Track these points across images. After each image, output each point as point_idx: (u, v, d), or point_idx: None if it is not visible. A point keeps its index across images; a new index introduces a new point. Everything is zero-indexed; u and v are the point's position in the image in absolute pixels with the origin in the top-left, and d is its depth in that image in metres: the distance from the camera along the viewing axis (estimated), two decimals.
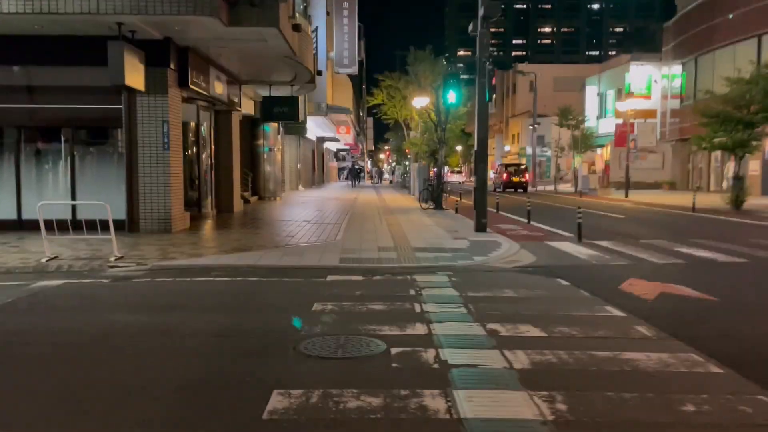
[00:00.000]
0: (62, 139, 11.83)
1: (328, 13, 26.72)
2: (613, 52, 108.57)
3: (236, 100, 16.51)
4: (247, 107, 20.06)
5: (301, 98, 21.79)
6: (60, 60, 11.07)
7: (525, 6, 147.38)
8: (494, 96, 13.62)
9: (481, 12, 12.50)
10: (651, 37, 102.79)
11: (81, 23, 10.11)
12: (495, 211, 18.95)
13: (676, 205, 22.72)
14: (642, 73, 37.81)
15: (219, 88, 14.54)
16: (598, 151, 43.03)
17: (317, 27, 21.35)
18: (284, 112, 16.86)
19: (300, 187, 34.50)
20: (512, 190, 36.43)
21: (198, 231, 12.26)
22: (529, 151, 58.91)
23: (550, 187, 41.23)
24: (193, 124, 14.21)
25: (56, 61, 11.09)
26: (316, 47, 19.15)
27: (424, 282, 7.56)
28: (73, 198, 11.62)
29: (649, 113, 36.43)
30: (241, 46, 12.02)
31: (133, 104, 11.43)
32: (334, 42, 26.86)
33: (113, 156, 11.90)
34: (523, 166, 38.29)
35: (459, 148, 66.35)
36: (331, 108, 27.25)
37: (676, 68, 35.56)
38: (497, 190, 34.70)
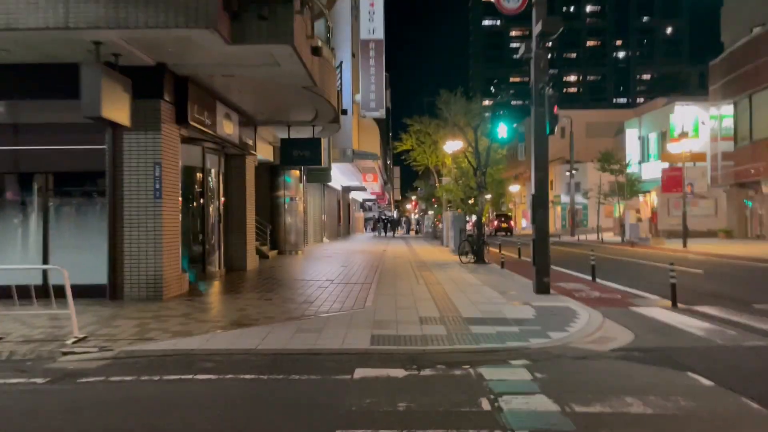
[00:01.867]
0: (35, 187, 9.86)
1: (353, 55, 25.15)
2: (641, 99, 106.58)
3: (250, 143, 14.57)
4: (265, 152, 18.16)
5: (324, 142, 19.90)
6: (32, 92, 9.20)
7: (549, 55, 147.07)
8: (555, 127, 11.66)
9: (537, 29, 10.41)
10: (680, 81, 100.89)
11: (51, 44, 8.23)
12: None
13: (748, 256, 19.90)
14: (688, 114, 35.37)
15: (228, 128, 12.59)
16: (640, 198, 40.30)
17: (341, 62, 19.61)
18: (305, 155, 14.85)
19: (324, 239, 32.39)
20: (503, 234, 47.21)
21: (196, 297, 10.04)
22: (563, 198, 56.36)
23: (592, 237, 38.41)
24: (197, 168, 12.22)
25: (27, 93, 9.21)
26: (341, 84, 17.32)
27: (497, 381, 5.14)
28: (45, 260, 9.55)
29: (699, 156, 33.79)
30: (251, 73, 10.05)
31: (119, 143, 9.45)
32: (360, 85, 25.19)
33: (96, 207, 9.85)
34: (509, 215, 49.18)
35: (488, 196, 64.08)
36: (357, 154, 25.36)
37: (726, 108, 33.07)
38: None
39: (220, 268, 13.13)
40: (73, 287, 8.92)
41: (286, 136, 15.40)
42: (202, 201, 12.37)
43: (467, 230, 20.50)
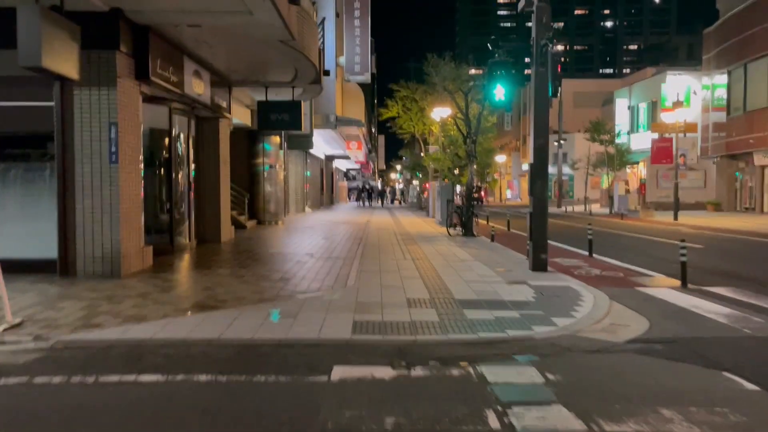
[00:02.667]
0: None
1: (337, 15, 23.80)
2: (627, 70, 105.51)
3: (224, 105, 13.44)
4: (242, 116, 17.02)
5: (305, 106, 18.78)
6: None
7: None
8: (559, 89, 10.71)
9: None
10: (669, 52, 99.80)
11: None
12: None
13: (745, 230, 19.31)
14: (679, 83, 34.54)
15: (199, 87, 11.46)
16: (628, 169, 39.63)
17: (324, 19, 18.36)
18: (284, 119, 13.75)
19: (307, 208, 31.39)
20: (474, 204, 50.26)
21: (160, 273, 9.06)
22: (551, 170, 55.65)
23: (579, 208, 37.80)
24: (164, 131, 11.12)
25: None
26: (323, 43, 16.14)
27: (504, 386, 4.29)
28: None
29: (690, 127, 33.10)
30: (220, 21, 8.91)
31: (69, 100, 8.33)
32: (344, 47, 23.90)
33: (45, 173, 8.77)
34: (480, 186, 46.48)
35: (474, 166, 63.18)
36: (341, 120, 24.22)
37: (720, 77, 32.28)
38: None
39: (190, 240, 12.13)
40: (20, 262, 7.96)
41: (263, 99, 14.27)
42: (168, 167, 11.29)
43: (455, 201, 19.65)
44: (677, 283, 8.81)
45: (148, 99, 10.13)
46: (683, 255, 8.70)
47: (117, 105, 8.36)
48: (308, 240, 14.97)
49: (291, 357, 5.02)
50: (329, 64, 20.64)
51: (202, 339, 5.53)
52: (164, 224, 11.24)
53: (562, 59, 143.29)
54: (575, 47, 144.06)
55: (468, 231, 16.22)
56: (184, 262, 10.59)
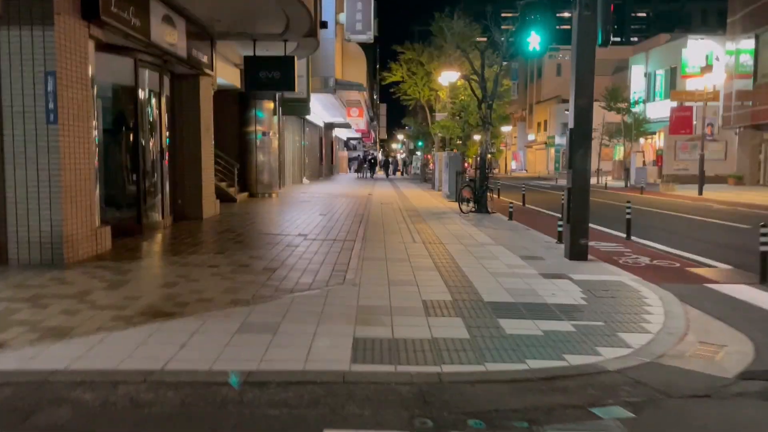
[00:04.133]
0: None
1: None
2: (635, 39, 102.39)
3: (205, 60, 11.60)
4: (229, 76, 15.18)
5: (301, 67, 16.90)
6: None
7: None
8: (609, 36, 9.08)
9: None
10: (681, 18, 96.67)
11: None
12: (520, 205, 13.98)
13: None
14: (701, 48, 32.43)
15: (171, 36, 9.64)
16: (641, 141, 37.70)
17: None
18: (274, 78, 11.93)
19: (304, 179, 29.65)
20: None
21: (114, 262, 7.39)
22: (557, 140, 53.79)
23: (592, 181, 35.96)
24: (128, 88, 9.33)
25: None
26: None
27: None
28: None
29: (710, 96, 31.17)
30: None
31: None
32: (345, 3, 21.85)
33: None
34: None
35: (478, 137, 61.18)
36: (341, 84, 22.33)
37: (746, 42, 30.21)
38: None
39: (163, 216, 10.43)
40: None
41: (251, 54, 12.42)
42: (137, 131, 9.53)
43: (466, 173, 17.93)
44: (752, 277, 7.17)
45: (106, 47, 8.34)
46: (765, 244, 7.00)
47: (55, 50, 6.59)
48: (303, 216, 13.28)
49: (260, 407, 3.37)
50: (327, 15, 18.68)
51: (137, 371, 3.87)
52: (131, 199, 9.53)
53: (569, 26, 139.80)
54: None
55: (482, 207, 14.53)
56: (151, 245, 8.91)
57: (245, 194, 18.40)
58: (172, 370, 3.90)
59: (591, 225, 12.64)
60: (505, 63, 14.60)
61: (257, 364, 4.01)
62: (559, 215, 15.51)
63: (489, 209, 14.59)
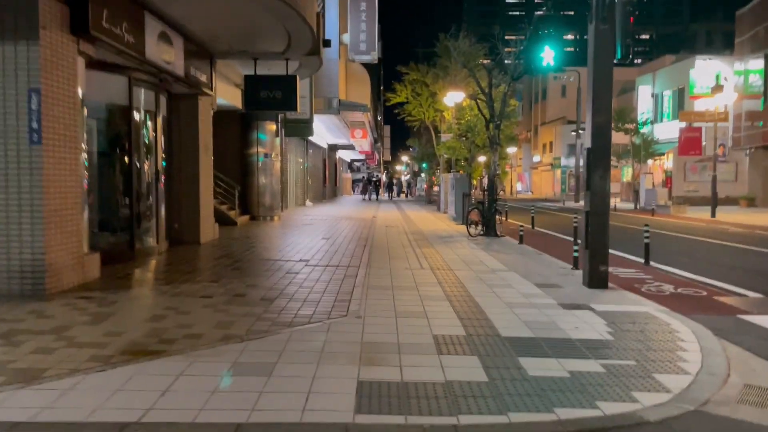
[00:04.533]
0: None
1: None
2: (639, 60, 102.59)
3: (204, 79, 11.24)
4: (231, 96, 14.83)
5: (303, 88, 16.59)
6: None
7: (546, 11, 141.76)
8: (628, 50, 8.79)
9: None
10: (685, 40, 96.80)
11: None
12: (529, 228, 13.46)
13: None
14: (709, 69, 32.08)
15: (167, 54, 9.27)
16: (649, 162, 37.22)
17: None
18: (276, 98, 11.55)
19: (308, 202, 29.22)
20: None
21: (101, 291, 6.89)
22: (564, 162, 53.42)
23: None
24: (122, 108, 8.93)
25: None
26: (323, 8, 13.89)
27: None
28: None
29: (719, 117, 30.76)
30: None
31: None
32: (348, 23, 21.62)
33: None
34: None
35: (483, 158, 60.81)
36: (345, 104, 22.00)
37: (755, 62, 29.87)
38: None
39: (158, 242, 9.96)
40: None
41: (252, 73, 12.06)
42: (130, 152, 9.10)
43: (473, 195, 17.46)
44: None
45: (98, 64, 7.96)
46: None
47: (40, 65, 6.18)
48: (305, 240, 12.80)
49: None
50: (330, 33, 18.39)
51: (110, 424, 3.36)
52: (124, 223, 9.07)
53: (573, 49, 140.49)
54: (585, 37, 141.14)
55: (491, 230, 14.02)
56: (143, 272, 8.42)
57: (246, 217, 17.95)
58: (150, 422, 3.39)
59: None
60: (513, 82, 14.20)
61: (248, 415, 3.49)
62: (571, 238, 15.03)
63: (498, 232, 14.08)
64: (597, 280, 7.49)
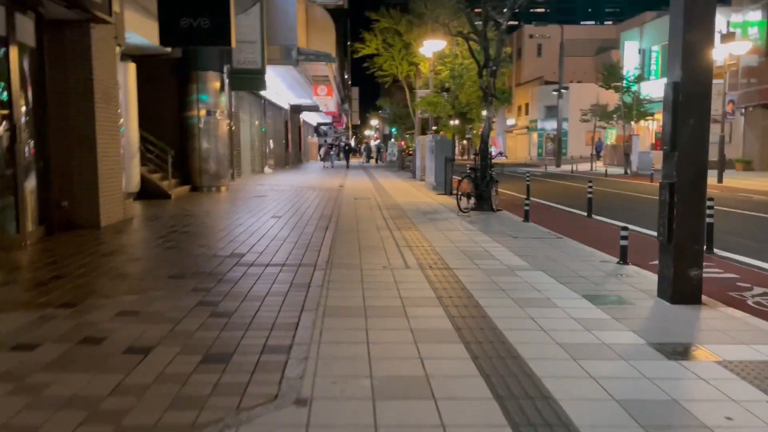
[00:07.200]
0: None
1: None
2: (610, 22, 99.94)
3: (99, 0, 8.00)
4: (149, 32, 11.52)
5: (254, 30, 13.41)
6: None
7: None
8: None
9: None
10: (659, 2, 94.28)
11: None
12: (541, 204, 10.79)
13: None
14: None
15: None
16: (632, 124, 34.82)
17: None
18: (200, 26, 8.42)
19: (266, 168, 26.06)
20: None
21: None
22: (541, 125, 50.97)
23: (583, 167, 32.96)
24: None
25: None
26: None
27: None
28: None
29: (732, 67, 28.16)
30: None
31: None
32: None
33: None
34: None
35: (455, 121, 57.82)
36: (305, 53, 18.76)
37: (754, 14, 27.44)
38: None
39: (25, 228, 6.86)
40: None
41: None
42: None
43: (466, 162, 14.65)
44: None
45: None
46: None
47: None
48: (249, 220, 9.83)
49: None
50: None
51: None
52: None
53: (543, 9, 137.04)
54: None
55: (484, 203, 11.25)
56: None
57: (186, 188, 14.85)
58: None
59: (611, 220, 9.56)
60: (509, 23, 11.31)
61: None
62: (579, 212, 12.37)
63: (494, 206, 11.32)
64: (687, 291, 4.76)
